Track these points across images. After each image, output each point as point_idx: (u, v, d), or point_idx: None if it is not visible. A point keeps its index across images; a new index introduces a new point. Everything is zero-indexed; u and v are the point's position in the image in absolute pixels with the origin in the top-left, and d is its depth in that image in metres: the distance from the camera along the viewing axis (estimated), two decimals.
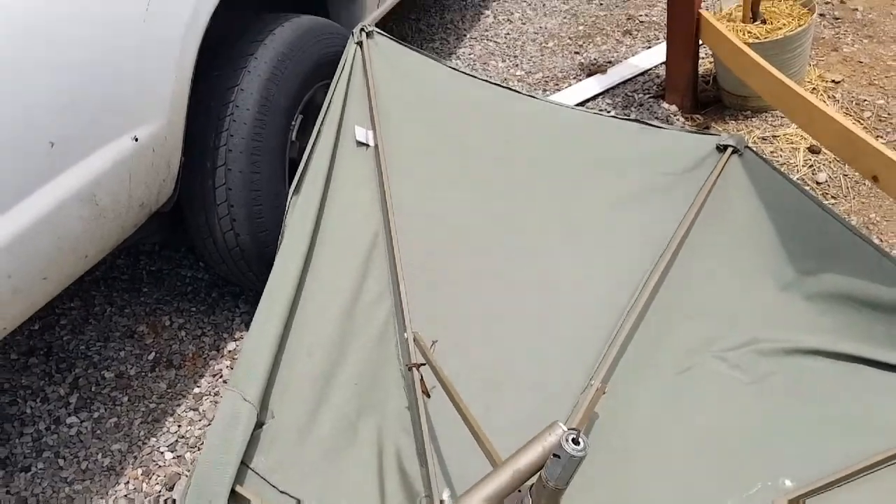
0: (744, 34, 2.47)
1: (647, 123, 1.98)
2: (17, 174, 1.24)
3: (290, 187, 1.68)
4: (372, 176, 1.82)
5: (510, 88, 2.05)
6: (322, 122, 1.80)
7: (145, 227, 1.72)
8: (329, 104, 1.82)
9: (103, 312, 2.25)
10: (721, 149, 1.88)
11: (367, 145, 1.86)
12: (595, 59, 3.06)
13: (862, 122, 2.49)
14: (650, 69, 2.91)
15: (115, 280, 2.36)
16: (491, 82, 2.06)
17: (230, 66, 1.79)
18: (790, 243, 1.71)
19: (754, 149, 1.83)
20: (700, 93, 2.73)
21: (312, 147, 1.74)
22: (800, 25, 2.43)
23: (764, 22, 2.53)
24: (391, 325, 1.61)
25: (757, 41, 2.41)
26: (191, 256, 2.41)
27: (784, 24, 2.47)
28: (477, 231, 1.78)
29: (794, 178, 2.31)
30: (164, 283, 2.33)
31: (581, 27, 3.32)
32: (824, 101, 2.57)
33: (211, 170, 1.75)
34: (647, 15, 3.27)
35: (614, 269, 1.70)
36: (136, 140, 1.47)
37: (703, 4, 2.55)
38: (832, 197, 2.27)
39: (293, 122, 1.92)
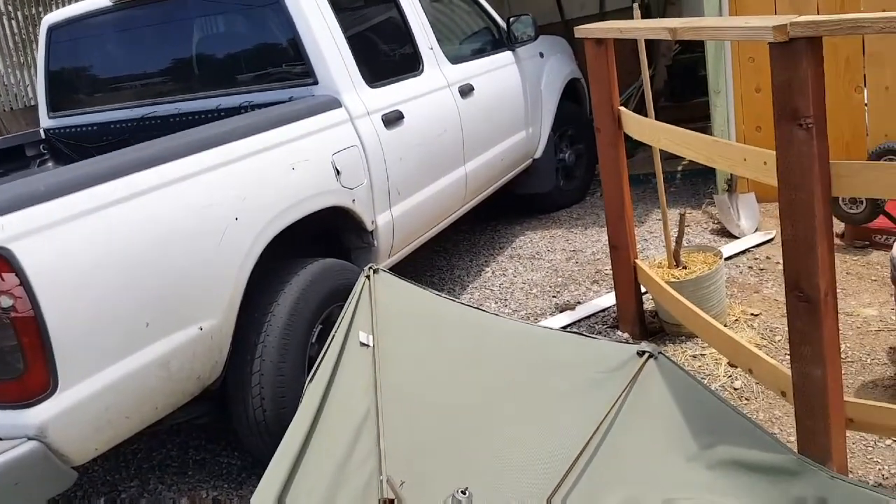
0: (669, 277, 3.19)
1: (584, 335, 2.62)
2: (126, 342, 1.94)
3: (307, 376, 2.32)
4: (369, 367, 2.46)
5: (486, 311, 2.74)
6: (335, 330, 2.50)
7: (198, 405, 2.36)
8: (342, 318, 2.53)
9: (155, 489, 2.80)
10: (640, 354, 2.49)
11: (368, 346, 2.53)
12: (567, 300, 3.79)
13: (773, 344, 3.08)
14: (609, 307, 3.61)
15: (168, 465, 2.94)
16: (471, 306, 2.76)
17: (271, 288, 2.54)
18: (693, 424, 2.24)
19: (668, 356, 2.42)
20: (648, 324, 3.39)
21: (326, 348, 2.41)
22: (709, 269, 3.16)
23: (685, 268, 3.26)
24: (374, 476, 2.16)
25: (676, 280, 3.12)
26: (227, 448, 2.98)
27: (698, 269, 3.20)
28: (447, 408, 2.36)
29: (716, 385, 2.86)
30: (205, 467, 2.89)
31: (559, 278, 4.10)
32: (743, 329, 3.20)
33: (249, 360, 2.43)
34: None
35: (554, 444, 2.24)
36: (201, 329, 2.18)
37: (639, 256, 3.32)
38: (745, 398, 2.79)
39: (313, 330, 2.63)
